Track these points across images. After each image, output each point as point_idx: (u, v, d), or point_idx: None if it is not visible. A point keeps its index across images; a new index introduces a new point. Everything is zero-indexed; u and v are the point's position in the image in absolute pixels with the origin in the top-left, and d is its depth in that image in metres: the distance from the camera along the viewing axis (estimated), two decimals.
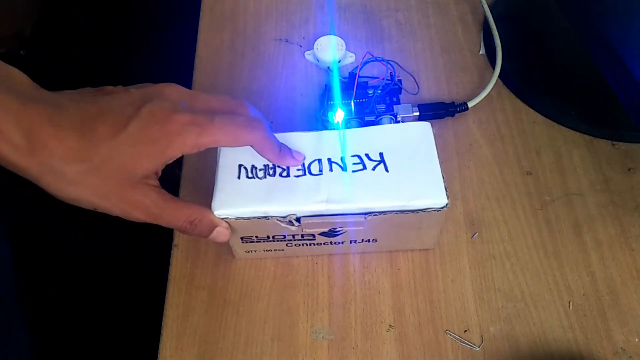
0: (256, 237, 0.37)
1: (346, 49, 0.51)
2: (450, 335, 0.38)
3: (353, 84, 0.46)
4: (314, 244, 0.38)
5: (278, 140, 0.35)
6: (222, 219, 0.35)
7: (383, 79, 0.47)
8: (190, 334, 0.38)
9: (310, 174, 0.36)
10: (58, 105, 0.29)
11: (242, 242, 0.38)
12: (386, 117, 0.45)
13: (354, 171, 0.36)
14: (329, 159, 0.37)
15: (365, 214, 0.35)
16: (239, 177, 0.36)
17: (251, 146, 0.34)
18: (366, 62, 0.47)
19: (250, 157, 0.36)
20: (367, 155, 0.37)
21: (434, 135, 0.38)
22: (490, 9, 0.52)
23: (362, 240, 0.38)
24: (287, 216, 0.35)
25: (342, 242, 0.38)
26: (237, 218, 0.35)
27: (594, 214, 0.42)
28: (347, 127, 0.41)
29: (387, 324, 0.38)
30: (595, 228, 0.42)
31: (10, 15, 1.33)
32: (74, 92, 0.31)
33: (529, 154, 0.46)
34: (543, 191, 0.44)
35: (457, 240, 0.42)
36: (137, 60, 1.32)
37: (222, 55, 0.53)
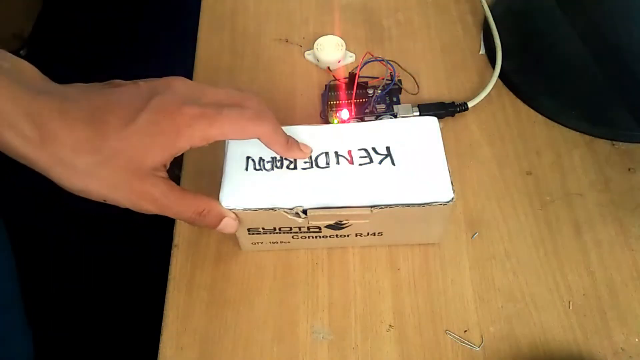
0: (263, 228, 0.37)
1: (346, 49, 0.51)
2: (450, 335, 0.38)
3: (353, 84, 0.46)
4: (320, 237, 0.39)
5: (285, 133, 0.36)
6: (230, 210, 0.35)
7: (383, 79, 0.47)
8: (190, 334, 0.38)
9: (318, 166, 0.36)
10: (67, 98, 0.29)
11: (249, 234, 0.38)
12: (386, 117, 0.45)
13: (360, 164, 0.36)
14: (336, 152, 0.37)
15: (371, 207, 0.35)
16: (246, 169, 0.36)
17: (259, 138, 0.34)
18: (366, 62, 0.47)
19: (257, 149, 0.36)
20: (374, 149, 0.37)
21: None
22: (490, 9, 0.52)
23: (368, 233, 0.39)
24: (293, 208, 0.35)
25: (348, 235, 0.39)
26: (245, 209, 0.35)
27: (594, 214, 0.42)
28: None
29: (387, 324, 0.38)
30: (595, 228, 0.42)
31: (10, 15, 1.33)
32: (82, 85, 0.31)
33: (529, 154, 0.46)
34: (543, 191, 0.44)
35: (457, 240, 0.42)
36: (137, 60, 1.32)
37: (222, 55, 0.53)
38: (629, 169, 0.45)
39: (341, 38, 0.51)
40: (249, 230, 0.38)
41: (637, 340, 0.37)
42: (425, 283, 0.40)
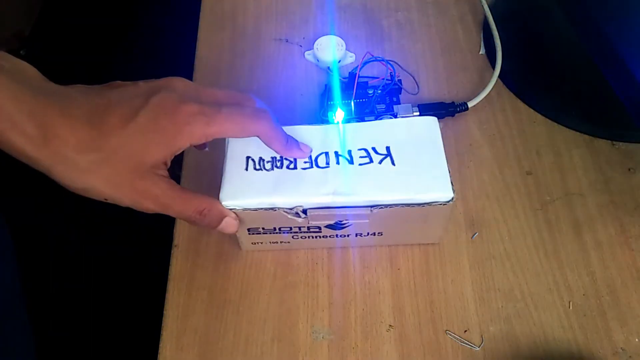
0: (263, 228, 0.37)
1: (346, 49, 0.51)
2: (450, 335, 0.38)
3: (353, 84, 0.46)
4: (320, 237, 0.39)
5: (285, 132, 0.36)
6: (230, 209, 0.35)
7: (383, 79, 0.47)
8: (190, 334, 0.38)
9: (317, 166, 0.36)
10: (68, 97, 0.29)
11: (249, 234, 0.38)
12: (386, 117, 0.45)
13: (360, 164, 0.36)
14: (336, 152, 0.37)
15: (371, 206, 0.35)
16: (246, 169, 0.36)
17: (258, 137, 0.34)
18: (366, 62, 0.47)
19: (258, 149, 0.36)
20: (373, 148, 0.37)
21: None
22: (490, 9, 0.52)
23: (368, 233, 0.39)
24: (293, 208, 0.35)
25: (348, 235, 0.39)
26: (245, 209, 0.35)
27: (594, 214, 0.42)
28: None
29: (387, 324, 0.38)
30: (595, 228, 0.42)
31: (10, 15, 1.33)
32: (83, 85, 0.31)
33: (529, 154, 0.46)
34: (543, 191, 0.44)
35: (457, 240, 0.42)
36: (137, 60, 1.32)
37: (222, 55, 0.53)
38: (629, 169, 0.45)
39: (341, 38, 0.51)
40: (249, 230, 0.38)
41: (637, 340, 0.37)
42: (425, 283, 0.40)
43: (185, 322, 0.38)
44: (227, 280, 0.40)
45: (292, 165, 0.36)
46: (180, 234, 0.42)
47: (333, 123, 0.39)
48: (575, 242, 0.41)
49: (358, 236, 0.39)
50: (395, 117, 0.46)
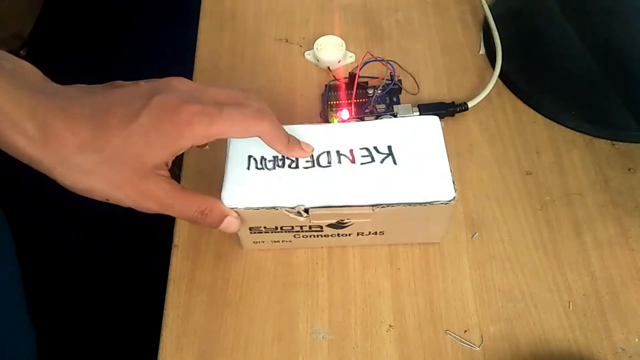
0: (264, 227, 0.37)
1: (346, 49, 0.51)
2: (450, 335, 0.38)
3: (353, 84, 0.46)
4: (322, 236, 0.39)
5: (286, 132, 0.36)
6: (232, 209, 0.35)
7: (383, 79, 0.47)
8: (190, 334, 0.38)
9: (319, 165, 0.36)
10: (70, 97, 0.29)
11: (251, 233, 0.38)
12: (386, 117, 0.45)
13: (362, 164, 0.36)
14: (338, 152, 0.37)
15: (373, 206, 0.35)
16: (248, 168, 0.36)
17: (260, 137, 0.34)
18: (366, 62, 0.47)
19: (259, 148, 0.36)
20: (375, 148, 0.37)
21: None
22: (490, 9, 0.52)
23: (370, 232, 0.39)
24: (295, 207, 0.35)
25: (350, 234, 0.39)
26: (246, 208, 0.35)
27: (594, 214, 0.42)
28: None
29: (387, 324, 0.38)
30: (595, 228, 0.42)
31: (10, 15, 1.33)
32: (84, 85, 0.31)
33: (529, 154, 0.46)
34: (543, 191, 0.44)
35: (457, 240, 0.42)
36: (137, 60, 1.32)
37: (222, 55, 0.53)
38: (629, 169, 0.45)
39: (341, 38, 0.51)
40: (250, 229, 0.38)
41: (637, 340, 0.37)
42: (425, 283, 0.40)
43: (185, 322, 0.38)
44: (227, 280, 0.40)
45: (293, 165, 0.36)
46: (180, 234, 0.42)
47: (333, 123, 0.40)
48: (575, 242, 0.41)
49: (360, 235, 0.39)
50: (395, 117, 0.46)
